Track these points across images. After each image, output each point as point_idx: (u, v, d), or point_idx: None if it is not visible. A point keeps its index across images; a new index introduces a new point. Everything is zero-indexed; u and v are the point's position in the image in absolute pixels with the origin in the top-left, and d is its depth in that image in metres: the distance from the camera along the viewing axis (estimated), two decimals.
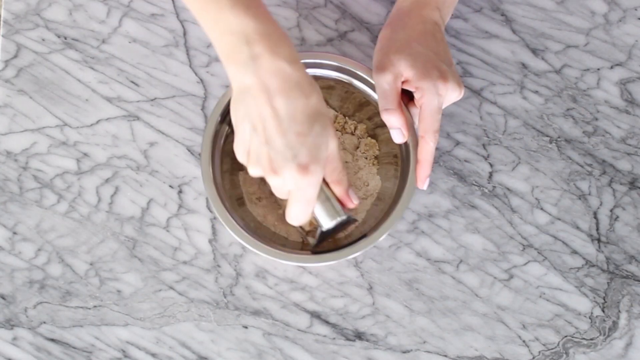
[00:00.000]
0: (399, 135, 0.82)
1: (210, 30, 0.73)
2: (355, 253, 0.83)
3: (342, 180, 0.79)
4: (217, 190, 0.85)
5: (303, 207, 0.77)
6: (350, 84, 0.89)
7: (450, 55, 0.82)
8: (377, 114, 0.86)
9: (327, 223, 0.82)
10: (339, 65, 0.88)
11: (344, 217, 0.81)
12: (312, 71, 0.89)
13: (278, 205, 0.90)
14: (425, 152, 0.81)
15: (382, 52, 0.82)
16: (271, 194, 0.89)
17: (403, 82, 0.81)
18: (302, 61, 0.84)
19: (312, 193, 0.75)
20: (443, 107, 0.81)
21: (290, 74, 0.71)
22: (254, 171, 0.76)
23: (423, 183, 0.83)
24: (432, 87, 0.79)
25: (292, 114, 0.72)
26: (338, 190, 0.80)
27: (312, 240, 0.87)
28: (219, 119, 0.87)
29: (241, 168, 0.91)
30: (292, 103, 0.72)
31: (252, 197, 0.90)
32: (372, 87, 0.88)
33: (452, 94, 0.81)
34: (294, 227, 0.88)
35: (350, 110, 0.92)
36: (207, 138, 0.86)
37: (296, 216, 0.78)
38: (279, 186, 0.76)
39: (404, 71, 0.80)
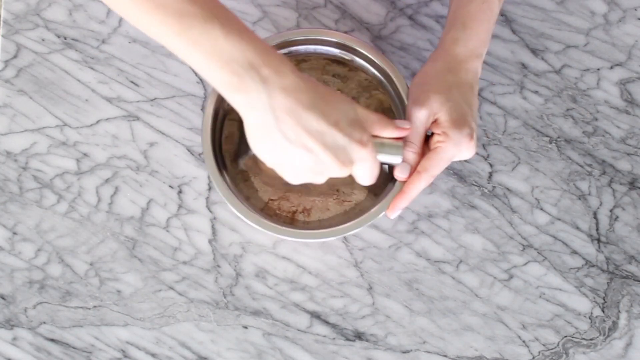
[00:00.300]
0: (406, 171, 0.83)
1: (205, 65, 0.71)
2: (353, 230, 0.83)
3: (384, 124, 0.80)
4: (219, 172, 0.86)
5: (372, 167, 0.78)
6: (352, 61, 0.90)
7: (477, 114, 0.83)
8: (380, 93, 0.87)
9: (396, 159, 0.82)
10: (342, 42, 0.89)
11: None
12: (314, 48, 0.90)
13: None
14: (414, 187, 0.82)
15: (423, 88, 0.82)
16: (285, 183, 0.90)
17: (432, 122, 0.82)
18: (305, 37, 0.88)
19: (374, 154, 0.77)
20: (453, 160, 0.82)
21: (300, 82, 0.73)
22: (321, 179, 0.78)
23: (394, 213, 0.83)
24: (458, 140, 0.80)
25: (319, 114, 0.73)
26: (388, 132, 0.80)
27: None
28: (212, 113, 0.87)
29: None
30: (314, 108, 0.73)
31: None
32: (374, 64, 0.88)
33: (467, 153, 0.82)
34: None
35: (354, 91, 0.91)
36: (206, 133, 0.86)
37: (371, 176, 0.79)
38: (351, 171, 0.78)
39: (441, 114, 0.81)
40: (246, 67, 0.70)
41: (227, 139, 0.90)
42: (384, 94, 0.90)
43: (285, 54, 0.90)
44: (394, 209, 0.83)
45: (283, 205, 0.89)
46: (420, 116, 0.81)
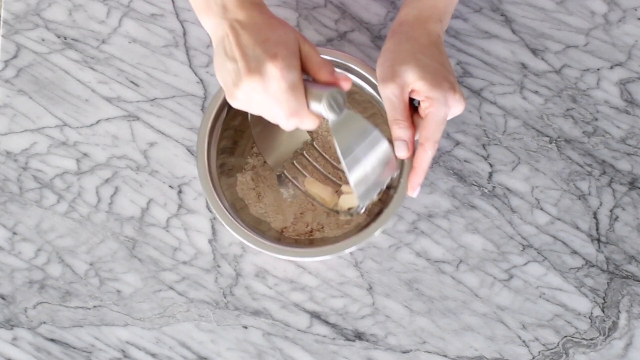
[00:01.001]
0: (403, 149, 0.82)
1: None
2: (349, 248, 0.83)
3: (320, 65, 0.75)
4: (214, 187, 0.86)
5: (291, 97, 0.73)
6: (353, 84, 0.89)
7: (452, 69, 0.83)
8: (377, 114, 0.86)
9: (329, 115, 0.74)
10: (341, 62, 0.88)
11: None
12: None
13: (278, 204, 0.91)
14: (422, 159, 0.81)
15: (387, 64, 0.82)
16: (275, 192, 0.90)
17: (410, 93, 0.81)
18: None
19: (284, 73, 0.72)
20: (448, 118, 0.81)
21: (257, 16, 0.73)
22: (235, 103, 0.75)
23: (414, 191, 0.83)
24: (442, 98, 0.79)
25: (256, 33, 0.72)
26: (323, 74, 0.75)
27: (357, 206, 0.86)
28: (213, 115, 0.87)
29: (239, 170, 0.91)
30: (254, 30, 0.72)
31: (251, 195, 0.91)
32: (374, 86, 0.88)
33: (457, 106, 0.81)
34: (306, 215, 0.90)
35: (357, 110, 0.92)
36: (202, 134, 0.86)
37: (291, 111, 0.73)
38: (262, 91, 0.73)
39: (413, 82, 0.80)
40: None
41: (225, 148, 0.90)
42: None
43: None
44: (413, 188, 0.83)
45: (299, 228, 0.90)
46: (392, 92, 0.80)
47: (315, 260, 0.90)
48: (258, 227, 0.89)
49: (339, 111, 0.72)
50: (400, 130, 0.81)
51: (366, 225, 0.86)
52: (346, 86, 0.74)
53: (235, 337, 0.90)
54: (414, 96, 0.81)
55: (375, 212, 0.88)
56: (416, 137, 0.82)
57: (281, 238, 0.89)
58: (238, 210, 0.88)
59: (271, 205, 0.91)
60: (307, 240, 0.90)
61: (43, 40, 0.97)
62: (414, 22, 0.83)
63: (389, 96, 0.81)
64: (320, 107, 0.72)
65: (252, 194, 0.91)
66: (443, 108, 0.80)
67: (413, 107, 0.83)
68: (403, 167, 0.85)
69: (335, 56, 0.88)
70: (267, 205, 0.91)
